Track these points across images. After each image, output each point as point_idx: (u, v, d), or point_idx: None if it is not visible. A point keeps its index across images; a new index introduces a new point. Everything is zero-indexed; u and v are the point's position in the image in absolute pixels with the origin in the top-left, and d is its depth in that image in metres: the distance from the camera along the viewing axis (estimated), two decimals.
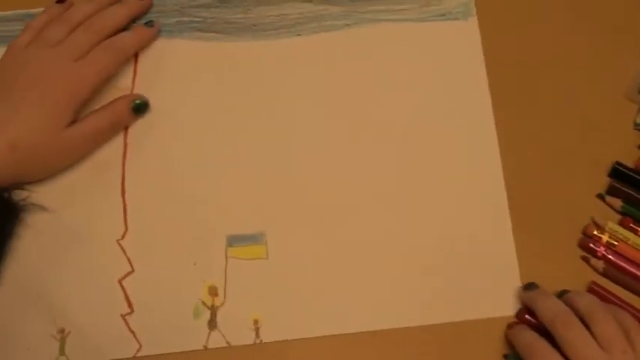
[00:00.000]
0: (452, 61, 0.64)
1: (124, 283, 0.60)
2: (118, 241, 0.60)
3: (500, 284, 0.59)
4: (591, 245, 0.59)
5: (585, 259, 0.60)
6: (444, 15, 0.65)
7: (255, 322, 0.59)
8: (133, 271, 0.60)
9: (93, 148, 0.62)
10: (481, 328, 0.58)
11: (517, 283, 0.59)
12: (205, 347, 0.58)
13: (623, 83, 0.64)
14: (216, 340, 0.59)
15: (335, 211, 0.61)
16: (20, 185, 0.59)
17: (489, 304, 0.59)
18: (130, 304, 0.59)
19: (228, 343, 0.59)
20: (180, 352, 0.59)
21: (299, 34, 0.64)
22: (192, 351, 0.59)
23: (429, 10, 0.65)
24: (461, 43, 0.64)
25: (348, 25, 0.65)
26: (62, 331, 0.58)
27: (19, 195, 0.58)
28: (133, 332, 0.59)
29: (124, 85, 0.64)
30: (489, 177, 0.62)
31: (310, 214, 0.61)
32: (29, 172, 0.59)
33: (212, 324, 0.59)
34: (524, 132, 0.63)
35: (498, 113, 0.63)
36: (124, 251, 0.60)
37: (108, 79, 0.62)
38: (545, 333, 0.54)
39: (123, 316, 0.59)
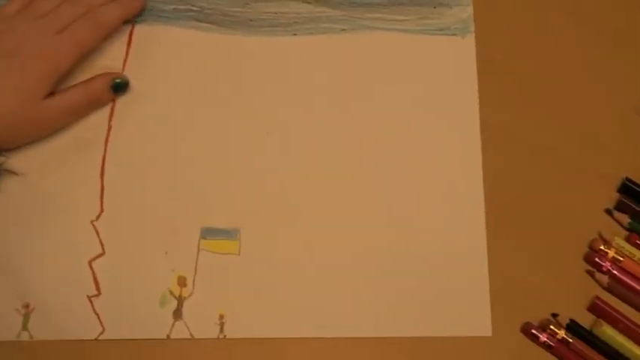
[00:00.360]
0: (445, 77, 0.64)
1: (94, 264, 0.59)
2: (92, 221, 0.60)
3: (472, 303, 0.59)
4: (597, 260, 0.60)
5: (590, 273, 0.60)
6: (442, 30, 0.65)
7: (221, 317, 0.59)
8: (103, 253, 0.60)
9: (68, 122, 0.61)
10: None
11: (487, 304, 0.59)
12: (168, 337, 0.58)
13: (632, 98, 0.65)
14: (179, 331, 0.59)
15: (312, 214, 0.61)
16: None
17: (462, 323, 0.58)
18: (97, 287, 0.59)
19: (191, 335, 0.59)
20: (143, 340, 0.58)
21: (295, 34, 0.64)
22: (155, 339, 0.58)
23: (427, 24, 0.65)
24: (455, 60, 0.64)
25: (344, 29, 0.65)
26: (27, 305, 0.58)
27: None
28: (97, 315, 0.58)
29: (114, 67, 0.63)
30: (470, 192, 0.62)
31: (287, 215, 0.61)
32: (3, 139, 0.58)
33: (177, 314, 0.59)
34: (531, 146, 0.63)
35: (504, 127, 0.64)
36: (97, 232, 0.60)
37: (89, 52, 0.62)
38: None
39: (89, 298, 0.59)
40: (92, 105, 0.62)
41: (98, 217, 0.60)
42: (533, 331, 0.58)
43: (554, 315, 0.58)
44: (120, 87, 0.62)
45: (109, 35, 0.63)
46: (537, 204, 0.62)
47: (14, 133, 0.59)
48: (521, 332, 0.59)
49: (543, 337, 0.58)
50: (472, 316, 0.59)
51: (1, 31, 0.59)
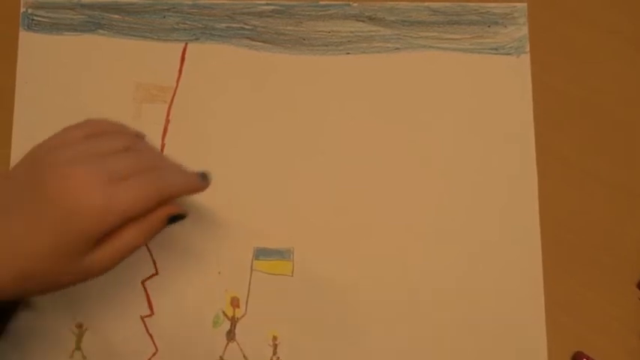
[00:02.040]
0: (499, 97, 0.63)
1: (147, 284, 0.59)
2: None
3: (528, 334, 0.58)
4: None
5: None
6: (497, 49, 0.64)
7: (274, 338, 0.58)
8: (157, 273, 0.59)
9: (113, 267, 0.50)
10: None
11: (543, 336, 0.59)
12: (221, 358, 0.58)
13: None
14: (232, 353, 0.58)
15: (366, 233, 0.60)
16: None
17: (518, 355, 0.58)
18: (150, 307, 0.59)
19: (244, 356, 0.58)
20: None
21: (348, 53, 0.64)
22: None
23: (481, 43, 0.64)
24: (510, 80, 0.64)
25: (398, 48, 0.64)
26: (80, 325, 0.58)
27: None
28: (150, 335, 0.58)
29: (167, 85, 0.63)
30: (525, 225, 0.61)
31: (341, 236, 0.61)
32: (36, 294, 0.49)
33: (230, 335, 0.58)
34: (585, 171, 0.63)
35: (559, 150, 0.63)
36: (150, 253, 0.60)
37: (137, 216, 0.49)
38: None
39: (142, 318, 0.58)
40: (147, 240, 0.51)
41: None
42: None
43: None
44: (177, 219, 0.52)
45: (165, 202, 0.51)
46: (586, 231, 0.61)
47: (59, 287, 0.48)
48: None
49: None
50: (529, 347, 0.58)
51: (46, 166, 0.47)
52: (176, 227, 0.57)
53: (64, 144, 0.49)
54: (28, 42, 0.64)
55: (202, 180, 0.53)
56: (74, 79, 0.63)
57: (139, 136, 0.54)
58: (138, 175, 0.48)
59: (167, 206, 0.51)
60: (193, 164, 0.60)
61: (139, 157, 0.50)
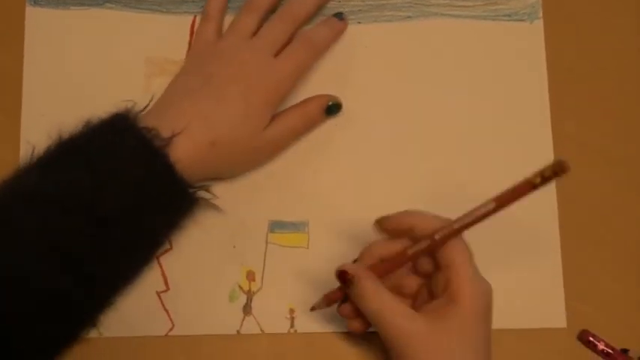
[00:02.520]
0: (513, 64, 0.63)
1: (162, 260, 0.59)
2: None
3: (547, 296, 0.58)
4: None
5: None
6: (509, 15, 0.63)
7: (291, 311, 0.58)
8: (171, 248, 0.59)
9: (284, 149, 0.59)
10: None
11: (561, 295, 0.59)
12: (238, 332, 0.58)
13: None
14: (249, 326, 0.58)
15: (381, 205, 0.59)
16: (208, 185, 0.56)
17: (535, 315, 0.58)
18: (166, 282, 0.58)
19: (262, 330, 0.58)
20: (213, 335, 0.58)
21: (359, 22, 0.63)
22: (225, 335, 0.58)
23: (494, 9, 0.63)
24: (524, 46, 0.63)
25: (409, 17, 0.63)
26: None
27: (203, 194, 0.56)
28: (166, 311, 0.58)
29: (177, 58, 0.62)
30: (542, 199, 0.60)
31: (357, 207, 0.60)
32: (222, 170, 0.57)
33: (247, 309, 0.58)
34: (591, 146, 0.62)
35: (561, 124, 0.62)
36: None
37: (305, 75, 0.59)
38: None
39: (158, 294, 0.58)
40: (307, 130, 0.59)
41: None
42: (591, 338, 0.57)
43: (625, 350, 0.57)
44: (334, 109, 0.59)
45: (322, 56, 0.60)
46: (593, 212, 0.61)
47: (236, 164, 0.57)
48: (578, 339, 0.58)
49: (601, 345, 0.57)
50: (548, 309, 0.58)
51: (216, 58, 0.56)
52: None
53: (214, 38, 0.59)
54: (35, 17, 0.63)
55: (340, 20, 0.61)
56: (82, 54, 0.62)
57: None
58: (293, 42, 0.57)
59: (321, 95, 0.59)
60: None
61: (283, 20, 0.58)
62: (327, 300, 0.54)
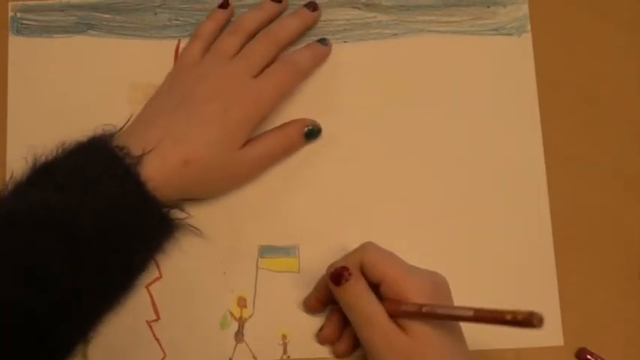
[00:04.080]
0: (502, 79, 0.62)
1: (151, 288, 0.58)
2: None
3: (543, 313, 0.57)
4: None
5: None
6: (497, 29, 0.62)
7: (284, 337, 0.57)
8: (160, 277, 0.58)
9: (261, 172, 0.59)
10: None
11: (557, 312, 0.58)
12: None
13: None
14: (242, 354, 0.57)
15: (371, 227, 0.59)
16: (181, 204, 0.56)
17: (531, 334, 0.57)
18: (156, 311, 0.58)
19: (254, 357, 0.57)
20: None
21: (345, 41, 0.62)
22: None
23: (481, 24, 0.62)
24: (513, 60, 0.62)
25: (395, 34, 0.63)
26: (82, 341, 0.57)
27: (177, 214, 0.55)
28: (158, 340, 0.57)
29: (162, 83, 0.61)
30: (535, 201, 0.60)
31: (346, 230, 0.59)
32: (197, 190, 0.56)
33: (239, 336, 0.57)
34: (581, 158, 0.61)
35: (552, 137, 0.61)
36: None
37: (286, 97, 0.59)
38: None
39: (149, 323, 0.57)
40: (285, 154, 0.59)
41: None
42: (589, 357, 0.57)
43: None
44: (313, 133, 0.59)
45: (304, 80, 0.60)
46: (581, 220, 0.60)
47: (211, 182, 0.56)
48: (576, 357, 0.58)
49: None
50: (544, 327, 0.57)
51: (195, 78, 0.56)
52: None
53: (196, 59, 0.58)
54: (18, 46, 0.63)
55: (324, 44, 0.60)
56: (67, 82, 0.62)
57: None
58: (275, 64, 0.57)
59: (300, 118, 0.59)
60: None
61: (265, 42, 0.57)
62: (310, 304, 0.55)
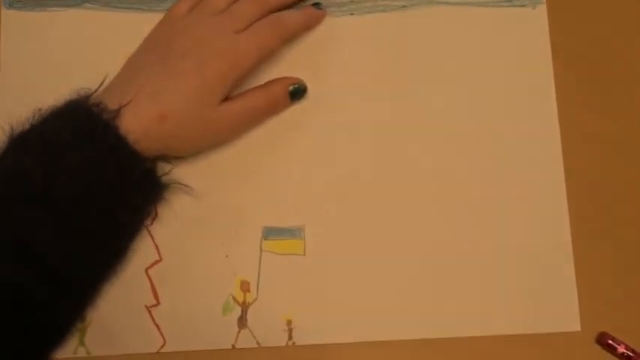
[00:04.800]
0: (515, 53, 0.59)
1: (151, 272, 0.56)
2: (146, 227, 0.56)
3: (559, 298, 0.55)
4: None
5: None
6: (510, 1, 0.60)
7: (289, 322, 0.55)
8: (160, 260, 0.56)
9: (245, 129, 0.57)
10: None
11: (574, 299, 0.56)
12: (234, 347, 0.55)
13: None
14: (245, 340, 0.55)
15: (380, 208, 0.57)
16: (166, 159, 0.54)
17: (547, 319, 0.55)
18: (156, 296, 0.55)
19: (258, 343, 0.55)
20: (207, 350, 0.55)
21: (352, 14, 0.60)
22: (220, 349, 0.55)
23: None
24: (526, 33, 0.60)
25: (404, 6, 0.60)
26: (82, 319, 0.54)
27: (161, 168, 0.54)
28: (157, 326, 0.55)
29: None
30: (551, 180, 0.58)
31: (353, 210, 0.57)
32: (177, 146, 0.54)
33: (242, 322, 0.55)
34: (598, 135, 0.59)
35: (568, 113, 0.59)
36: (152, 238, 0.56)
37: (268, 57, 0.56)
38: None
39: (148, 308, 0.55)
40: (270, 111, 0.58)
41: (152, 221, 0.56)
42: (610, 341, 0.55)
43: None
44: (298, 92, 0.58)
45: (290, 41, 0.58)
46: (594, 197, 0.58)
47: (187, 140, 0.54)
48: (597, 343, 0.56)
49: (621, 349, 0.55)
50: (560, 311, 0.55)
51: (177, 32, 0.54)
52: (179, 207, 0.55)
53: (183, 14, 0.56)
54: (11, 20, 0.60)
55: (318, 9, 0.59)
56: (62, 56, 0.59)
57: None
58: (259, 22, 0.55)
59: (285, 77, 0.58)
60: None
61: (254, 2, 0.56)
62: None
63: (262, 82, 0.58)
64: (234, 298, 0.56)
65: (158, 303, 0.55)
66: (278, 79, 0.58)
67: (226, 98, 0.54)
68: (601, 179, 0.58)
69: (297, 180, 0.57)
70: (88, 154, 0.48)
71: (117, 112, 0.49)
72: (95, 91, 0.52)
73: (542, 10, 0.60)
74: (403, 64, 0.59)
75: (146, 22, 0.58)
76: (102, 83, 0.53)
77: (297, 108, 0.58)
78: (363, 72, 0.59)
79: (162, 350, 0.55)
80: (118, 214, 0.49)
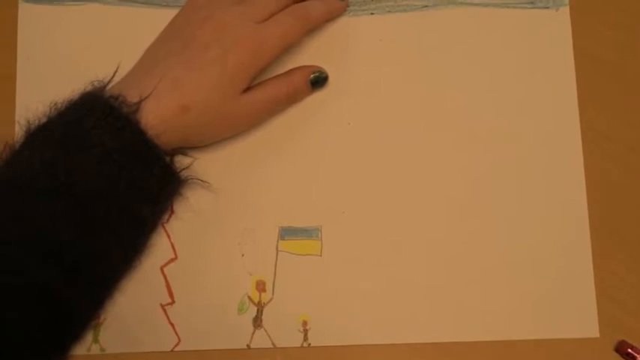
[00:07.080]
0: (537, 55, 0.59)
1: (166, 270, 0.55)
2: (162, 224, 0.55)
3: (578, 304, 0.54)
4: None
5: None
6: (533, 2, 0.59)
7: (304, 323, 0.55)
8: (176, 258, 0.56)
9: (265, 118, 0.57)
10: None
11: (593, 305, 0.56)
12: (248, 346, 0.55)
13: None
14: (260, 340, 0.55)
15: (398, 209, 0.56)
16: (184, 151, 0.54)
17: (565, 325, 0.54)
18: (171, 294, 0.55)
19: (273, 343, 0.55)
20: (222, 350, 0.55)
21: (372, 13, 0.59)
22: (235, 349, 0.55)
23: None
24: (549, 35, 0.59)
25: (426, 6, 0.59)
26: (97, 317, 0.54)
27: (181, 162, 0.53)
28: (172, 325, 0.55)
29: None
30: (571, 184, 0.57)
31: (371, 211, 0.56)
32: (197, 136, 0.54)
33: (257, 322, 0.55)
34: (620, 140, 0.58)
35: (590, 117, 0.58)
36: (168, 236, 0.56)
37: (290, 47, 0.56)
38: None
39: (163, 306, 0.55)
40: (290, 100, 0.57)
41: (169, 218, 0.56)
42: (630, 350, 0.54)
43: None
44: (319, 81, 0.57)
45: (312, 31, 0.58)
46: (614, 203, 0.57)
47: (211, 128, 0.54)
48: (615, 351, 0.55)
49: None
50: (578, 317, 0.54)
51: (198, 21, 0.53)
52: (196, 204, 0.54)
53: (204, 4, 0.55)
54: (28, 14, 0.60)
55: (340, 0, 0.59)
56: (78, 50, 0.59)
57: None
58: (281, 12, 0.54)
59: (306, 65, 0.57)
60: (212, 143, 0.56)
61: None
62: None
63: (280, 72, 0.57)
64: (250, 298, 0.55)
65: (173, 301, 0.55)
66: (298, 67, 0.57)
67: (247, 88, 0.53)
68: (622, 184, 0.57)
69: (314, 180, 0.57)
70: (109, 148, 0.47)
71: (137, 105, 0.49)
72: (109, 82, 0.51)
73: (565, 12, 0.59)
74: (424, 65, 0.58)
75: (163, 17, 0.57)
76: (114, 74, 0.52)
77: (315, 109, 0.58)
78: (383, 72, 0.58)
79: (177, 349, 0.55)
80: (139, 209, 0.49)
